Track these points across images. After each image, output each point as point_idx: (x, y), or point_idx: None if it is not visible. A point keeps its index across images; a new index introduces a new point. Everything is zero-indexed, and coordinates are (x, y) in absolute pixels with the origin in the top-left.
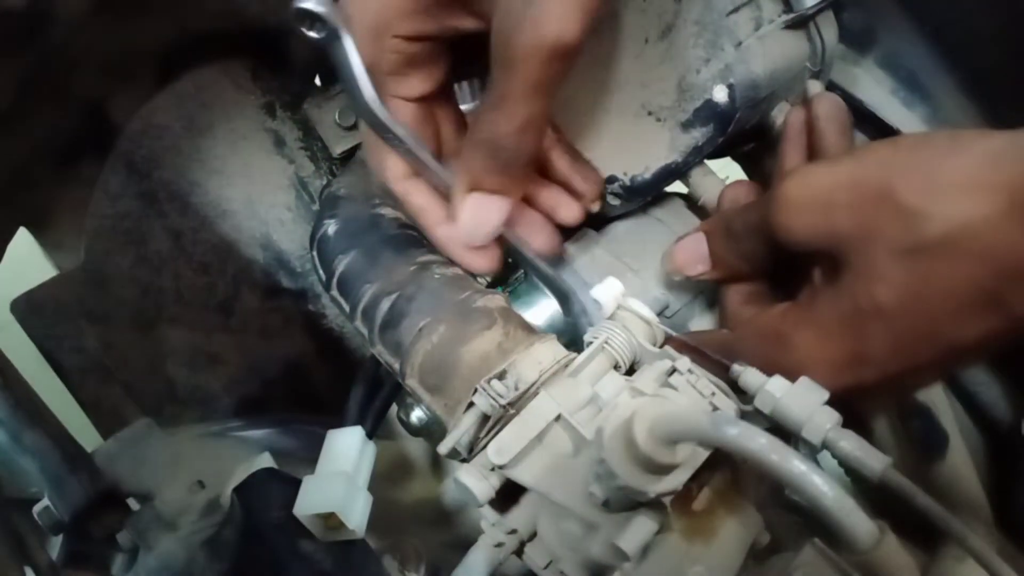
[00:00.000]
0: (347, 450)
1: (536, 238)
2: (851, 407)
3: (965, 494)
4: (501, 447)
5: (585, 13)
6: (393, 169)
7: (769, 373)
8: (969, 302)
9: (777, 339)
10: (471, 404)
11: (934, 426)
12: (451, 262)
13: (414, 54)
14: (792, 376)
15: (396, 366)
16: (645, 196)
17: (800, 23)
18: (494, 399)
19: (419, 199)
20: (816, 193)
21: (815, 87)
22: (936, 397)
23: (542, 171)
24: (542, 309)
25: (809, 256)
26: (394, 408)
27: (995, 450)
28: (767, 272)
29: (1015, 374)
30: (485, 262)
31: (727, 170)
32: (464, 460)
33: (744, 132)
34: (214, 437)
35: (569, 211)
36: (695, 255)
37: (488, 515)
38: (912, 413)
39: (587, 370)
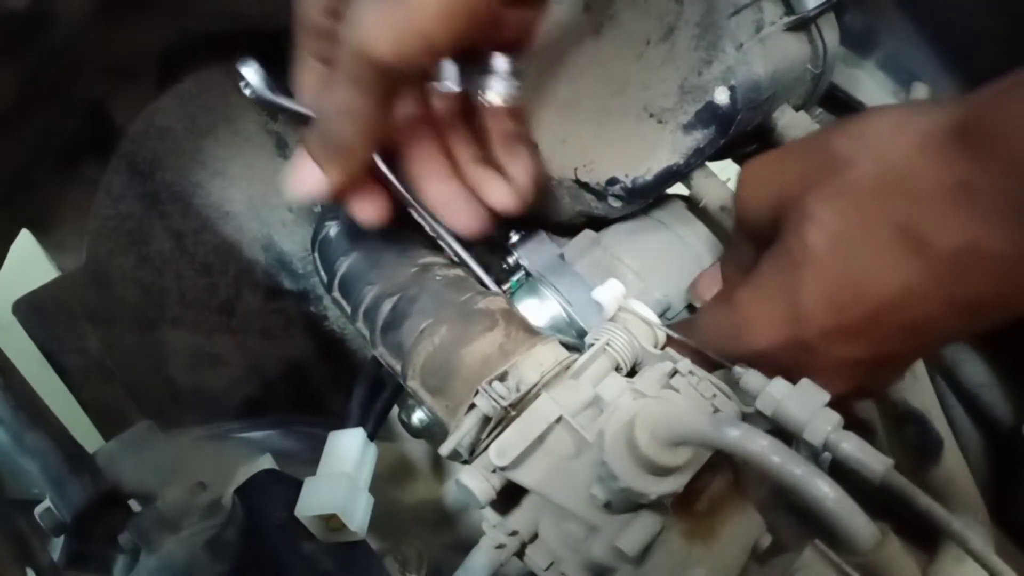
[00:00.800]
0: (348, 451)
1: (456, 214)
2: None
3: (961, 497)
4: (502, 449)
5: (420, 41)
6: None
7: (723, 338)
8: (888, 242)
9: (726, 303)
10: (472, 406)
11: (928, 431)
12: (453, 263)
13: None
14: (740, 336)
15: (398, 367)
16: (646, 198)
17: (801, 25)
18: (495, 401)
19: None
20: (763, 165)
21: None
22: (929, 403)
23: (486, 154)
24: (544, 310)
25: (771, 233)
26: (395, 410)
27: (996, 451)
28: None
29: (1016, 376)
30: (366, 210)
31: (728, 172)
32: (465, 462)
33: (746, 134)
34: (215, 438)
35: (498, 195)
36: (712, 280)
37: (489, 516)
38: (906, 419)
39: (588, 372)
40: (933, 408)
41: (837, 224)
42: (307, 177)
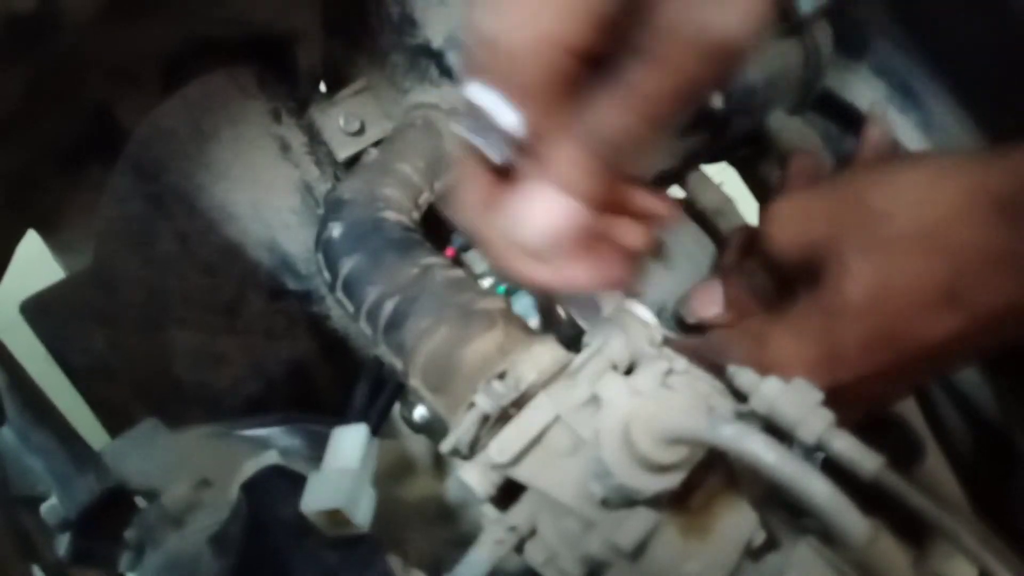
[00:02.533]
0: (352, 447)
1: (608, 268)
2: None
3: (946, 497)
4: (502, 446)
5: (762, 15)
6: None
7: None
8: (930, 299)
9: (758, 339)
10: (472, 404)
11: (909, 435)
12: (453, 264)
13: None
14: (771, 375)
15: (399, 366)
16: None
17: (795, 30)
18: (494, 399)
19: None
20: (797, 206)
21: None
22: (908, 406)
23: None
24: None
25: (798, 273)
26: (397, 406)
27: (987, 452)
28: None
29: (1007, 377)
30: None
31: (723, 175)
32: (465, 458)
33: (740, 137)
34: (220, 436)
35: (634, 236)
36: (710, 300)
37: (489, 512)
38: (887, 424)
39: (585, 371)
40: (912, 412)
41: (875, 278)
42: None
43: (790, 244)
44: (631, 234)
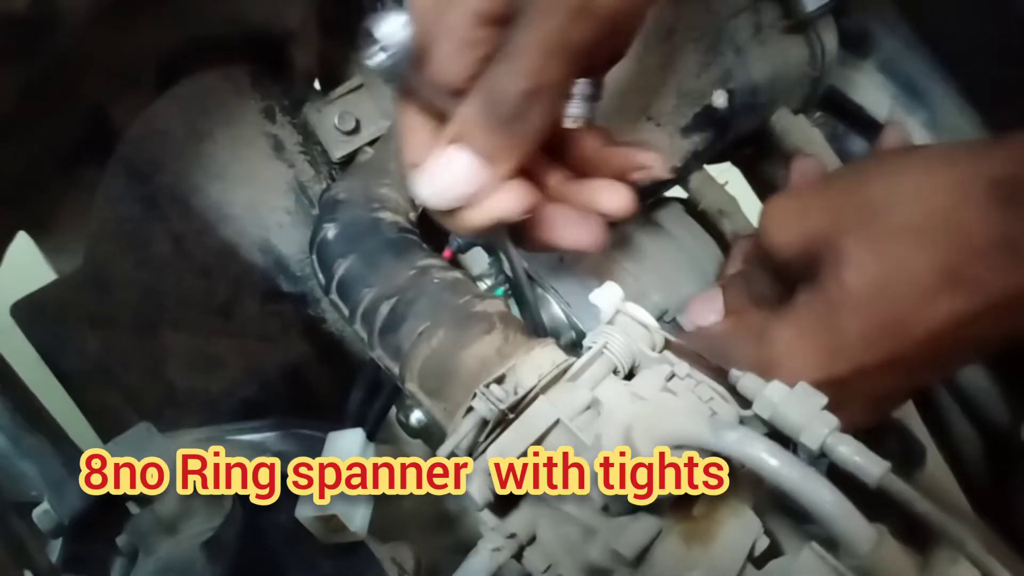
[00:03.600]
0: (348, 451)
1: (574, 232)
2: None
3: (948, 503)
4: (500, 451)
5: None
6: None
7: (751, 368)
8: (931, 285)
9: (759, 335)
10: (470, 408)
11: (910, 440)
12: (451, 266)
13: None
14: (773, 371)
15: (395, 370)
16: (644, 201)
17: (800, 28)
18: (493, 404)
19: (412, 120)
20: (794, 203)
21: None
22: (907, 411)
23: (580, 171)
24: (542, 312)
25: (798, 271)
26: (393, 411)
27: (993, 455)
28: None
29: (1013, 379)
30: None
31: (727, 175)
32: None
33: (744, 137)
34: (214, 440)
35: (614, 197)
36: (709, 306)
37: (487, 519)
38: (887, 430)
39: (586, 375)
40: (912, 417)
41: (877, 268)
42: (455, 169)
43: (789, 239)
44: (607, 195)
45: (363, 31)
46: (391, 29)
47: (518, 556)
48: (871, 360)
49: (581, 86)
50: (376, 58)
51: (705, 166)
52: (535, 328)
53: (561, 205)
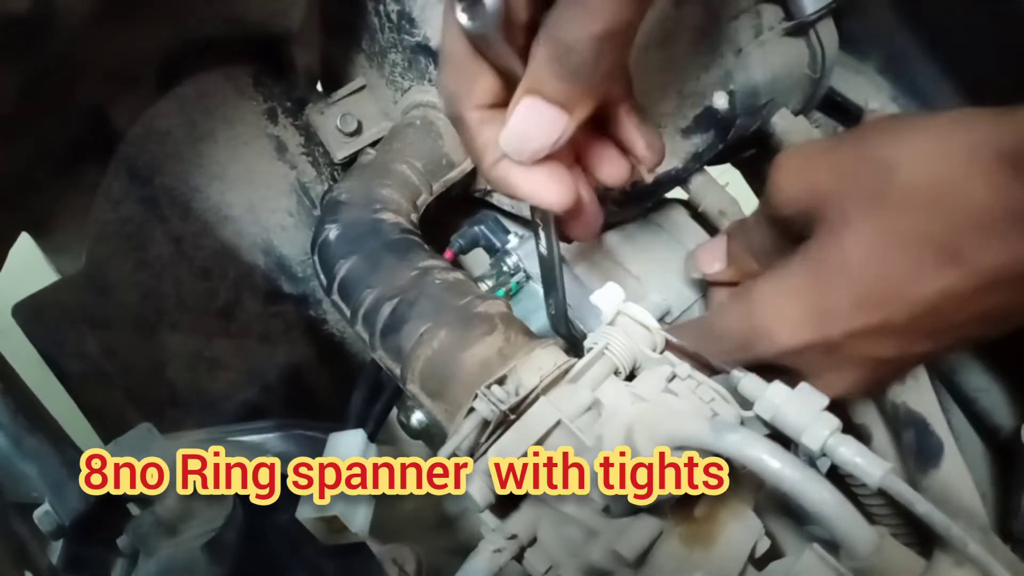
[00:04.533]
0: (349, 452)
1: (607, 168)
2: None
3: (961, 501)
4: (501, 452)
5: None
6: (480, 95)
7: (738, 337)
8: (928, 256)
9: (745, 300)
10: (471, 409)
11: (929, 435)
12: (453, 267)
13: None
14: (760, 333)
15: (397, 371)
16: (646, 202)
17: (800, 30)
18: (494, 404)
19: (490, 133)
20: (802, 158)
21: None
22: (930, 407)
23: (601, 127)
24: (542, 314)
25: (800, 226)
26: (394, 412)
27: (995, 456)
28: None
29: (1014, 380)
30: (551, 191)
31: (727, 176)
32: None
33: (744, 138)
34: (215, 442)
35: (616, 170)
36: (714, 254)
37: (488, 520)
38: (907, 423)
39: (587, 376)
40: (934, 412)
41: (875, 232)
42: (532, 119)
43: (794, 194)
44: (608, 165)
45: None
46: None
47: (519, 557)
48: (862, 325)
49: None
50: (468, 18)
51: (706, 167)
52: (561, 312)
53: (599, 142)
